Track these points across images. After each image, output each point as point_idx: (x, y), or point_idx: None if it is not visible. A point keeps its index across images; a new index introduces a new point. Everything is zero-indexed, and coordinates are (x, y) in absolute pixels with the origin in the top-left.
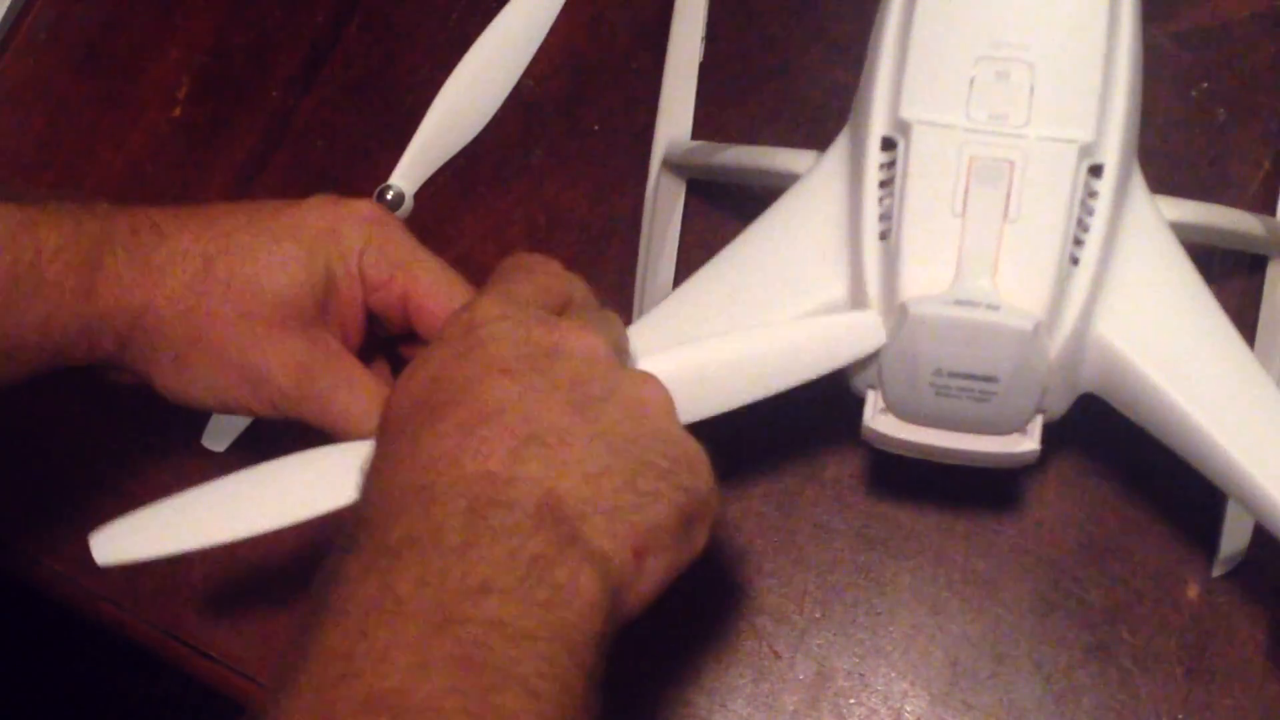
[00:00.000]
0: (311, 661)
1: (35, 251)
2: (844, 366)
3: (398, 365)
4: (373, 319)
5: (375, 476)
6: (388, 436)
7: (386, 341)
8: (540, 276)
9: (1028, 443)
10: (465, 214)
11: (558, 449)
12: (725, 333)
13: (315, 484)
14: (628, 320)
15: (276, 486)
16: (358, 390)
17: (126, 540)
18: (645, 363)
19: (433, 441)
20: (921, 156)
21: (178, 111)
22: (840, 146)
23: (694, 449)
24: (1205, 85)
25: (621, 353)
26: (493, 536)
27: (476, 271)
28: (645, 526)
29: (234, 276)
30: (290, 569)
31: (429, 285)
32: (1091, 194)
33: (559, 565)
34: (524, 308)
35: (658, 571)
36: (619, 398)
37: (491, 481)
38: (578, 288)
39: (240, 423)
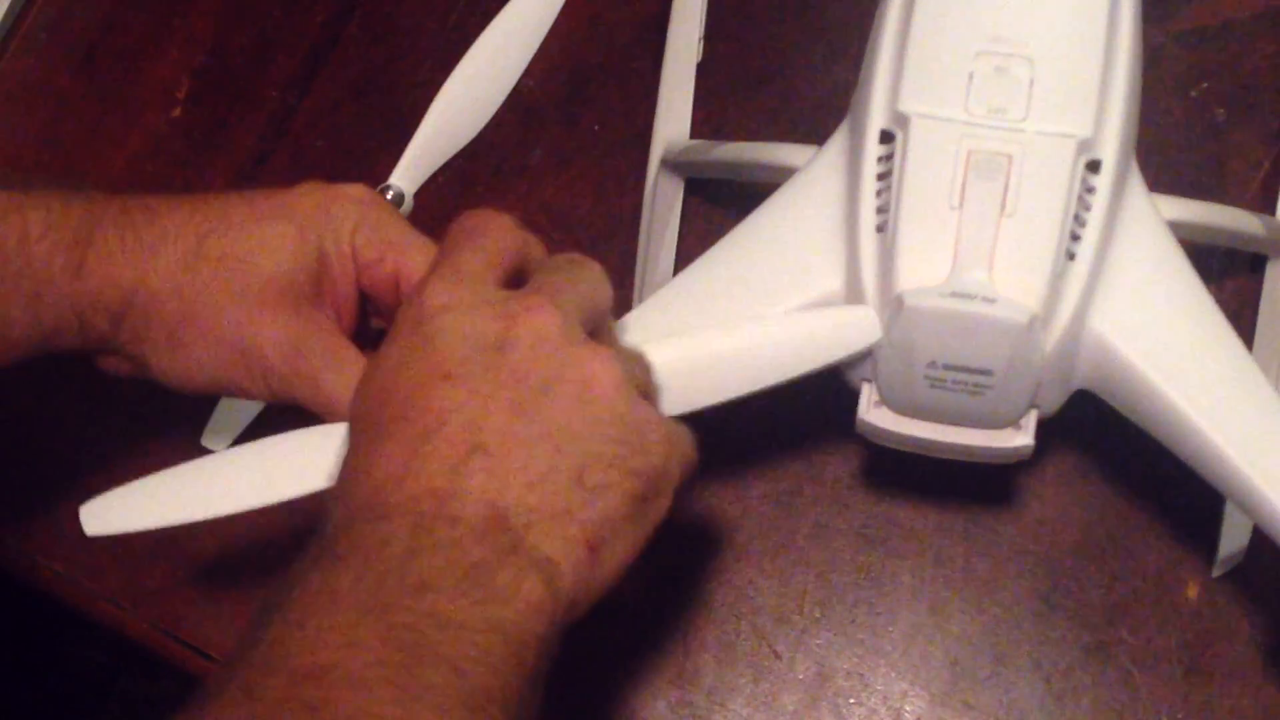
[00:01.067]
0: (246, 649)
1: (21, 231)
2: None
3: None
4: (367, 308)
5: (335, 490)
6: (351, 447)
7: (381, 333)
8: (490, 241)
9: (1022, 437)
10: None
11: (500, 458)
12: (718, 324)
13: (305, 462)
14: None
15: (267, 463)
16: (348, 370)
17: (116, 512)
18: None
19: (382, 462)
20: (920, 149)
21: (178, 111)
22: (839, 139)
23: (645, 422)
24: (1205, 85)
25: (593, 311)
26: (435, 547)
27: None
28: (596, 521)
29: (226, 253)
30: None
31: (421, 263)
32: (1089, 189)
33: (500, 570)
34: (473, 288)
35: (616, 557)
36: (565, 383)
37: (436, 498)
38: (534, 244)
39: (240, 421)
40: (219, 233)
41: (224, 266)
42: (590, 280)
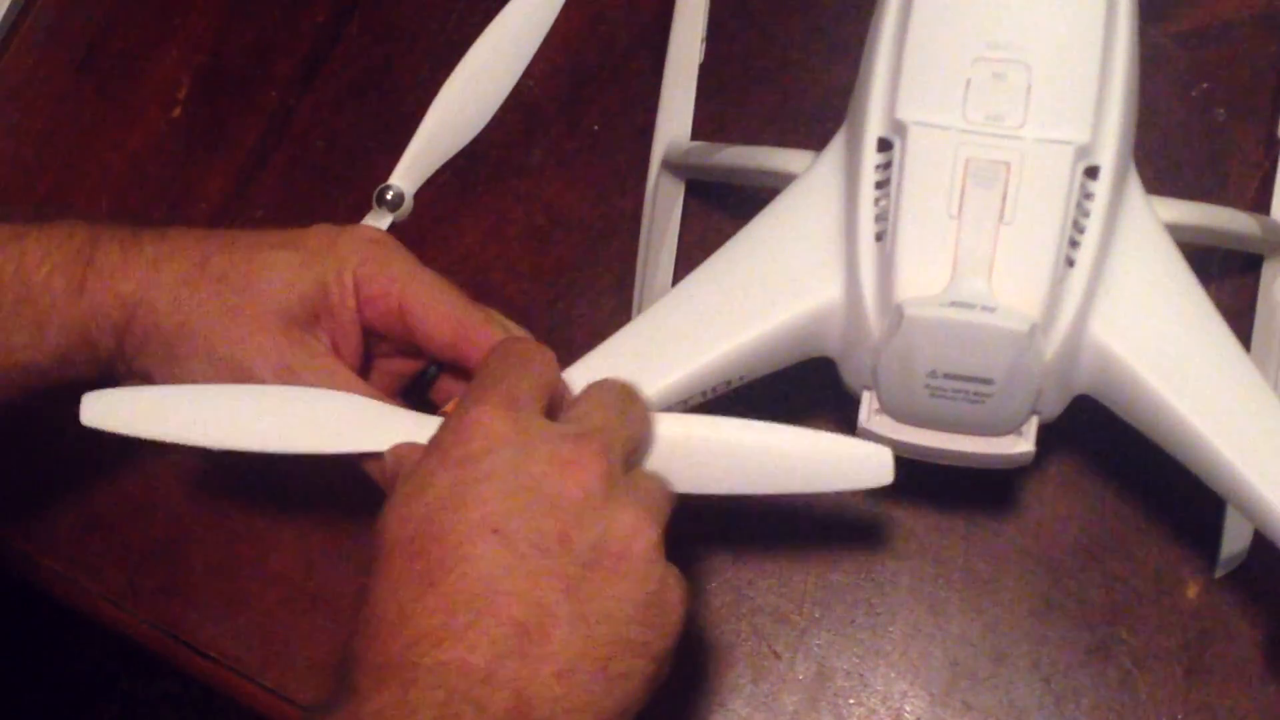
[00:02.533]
0: None
1: (19, 260)
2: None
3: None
4: (371, 349)
5: (365, 629)
6: (385, 575)
7: (417, 386)
8: (539, 371)
9: (1023, 444)
10: (465, 214)
11: (539, 641)
12: (739, 421)
13: (325, 423)
14: (626, 320)
15: (291, 410)
16: (343, 387)
17: (120, 410)
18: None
19: (421, 617)
20: (917, 158)
21: (178, 111)
22: (836, 147)
23: (669, 599)
24: (1205, 85)
25: (636, 448)
26: None
27: (476, 271)
28: (613, 711)
29: (228, 274)
30: (291, 569)
31: (425, 297)
32: (1087, 196)
33: None
34: (526, 421)
35: None
36: (606, 555)
37: (469, 676)
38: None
39: None
40: (223, 253)
41: (223, 285)
42: (637, 416)
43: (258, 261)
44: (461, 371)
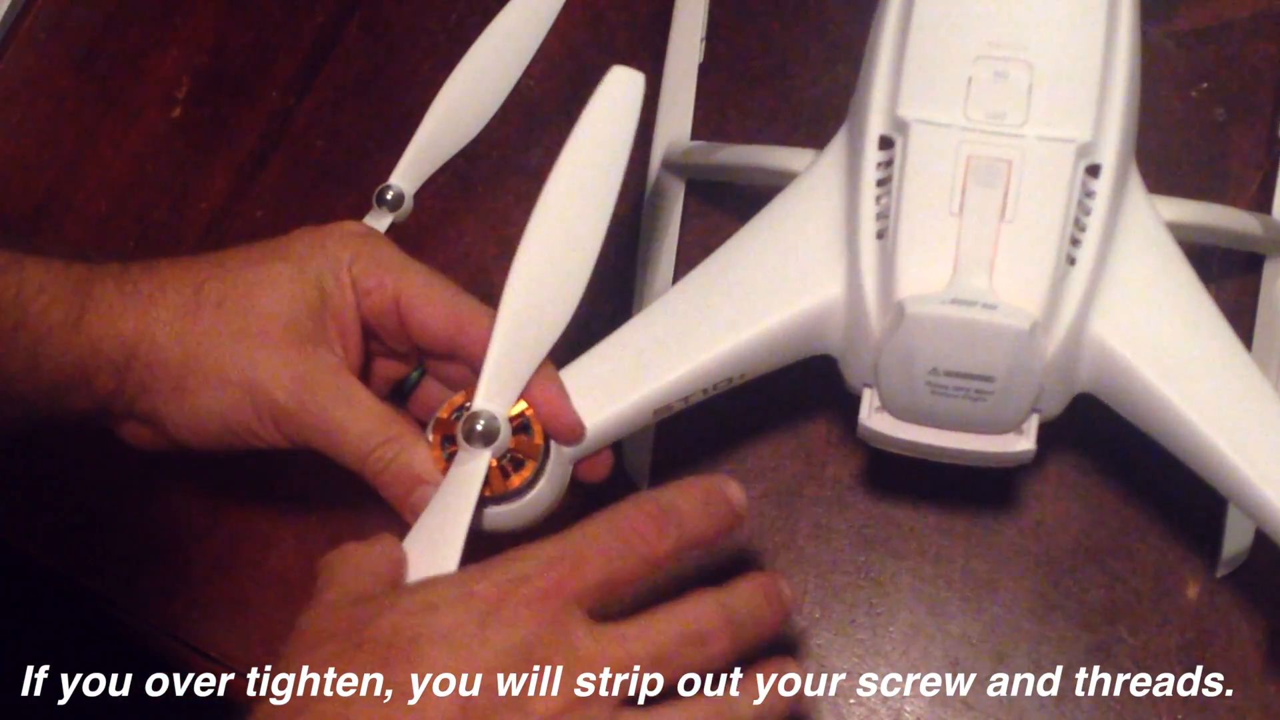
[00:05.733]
0: None
1: (18, 288)
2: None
3: None
4: (370, 346)
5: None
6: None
7: (396, 395)
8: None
9: (1023, 442)
10: (465, 214)
11: None
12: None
13: None
14: (626, 321)
15: None
16: (356, 406)
17: None
18: None
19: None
20: (919, 155)
21: (178, 111)
22: (838, 145)
23: None
24: (1205, 85)
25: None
26: None
27: (476, 271)
28: None
29: (225, 298)
30: (291, 569)
31: (421, 287)
32: (1089, 194)
33: None
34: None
35: None
36: None
37: None
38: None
39: None
40: (217, 278)
41: (224, 309)
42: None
43: (253, 279)
44: (444, 378)
